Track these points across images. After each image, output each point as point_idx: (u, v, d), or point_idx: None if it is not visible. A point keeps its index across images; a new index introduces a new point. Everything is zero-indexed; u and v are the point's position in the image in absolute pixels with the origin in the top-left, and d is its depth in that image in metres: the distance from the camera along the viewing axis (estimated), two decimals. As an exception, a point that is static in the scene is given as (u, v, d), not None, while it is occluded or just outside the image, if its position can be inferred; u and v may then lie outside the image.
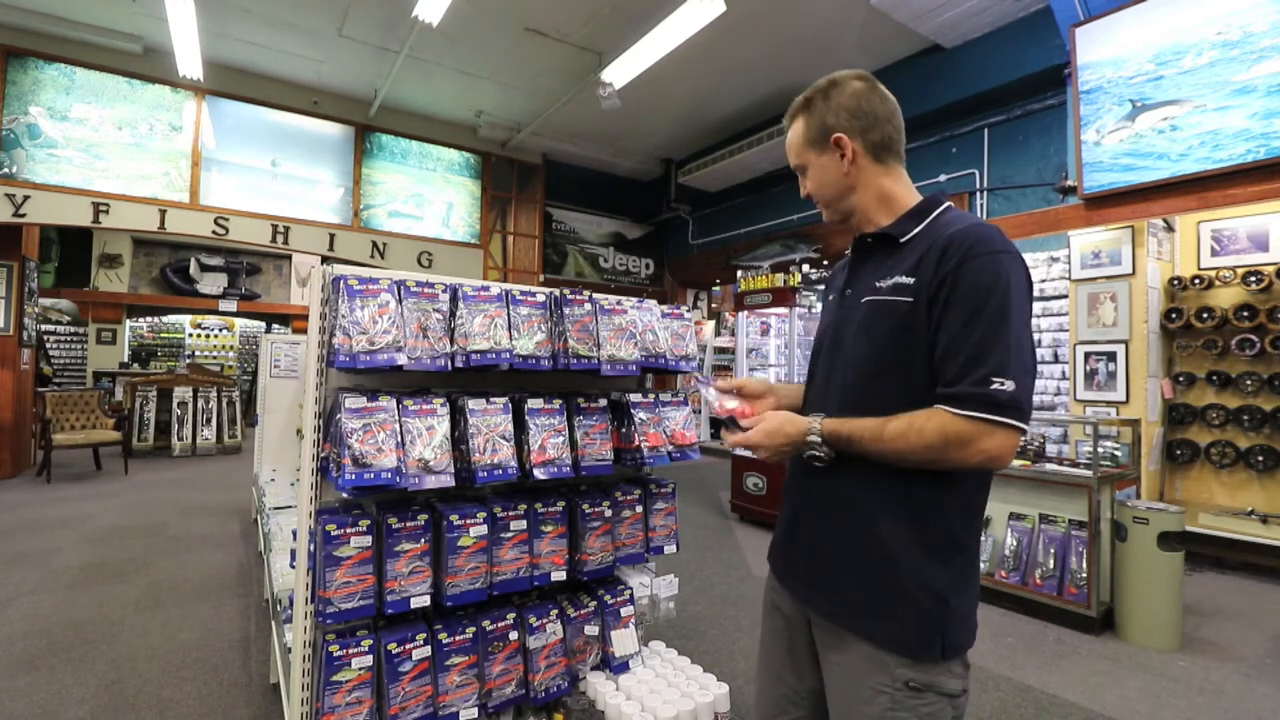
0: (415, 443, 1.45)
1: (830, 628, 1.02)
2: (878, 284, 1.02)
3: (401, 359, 1.43)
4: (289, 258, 13.62)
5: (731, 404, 1.15)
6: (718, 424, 1.17)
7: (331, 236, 7.33)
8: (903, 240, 1.03)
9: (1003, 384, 0.86)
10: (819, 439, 0.98)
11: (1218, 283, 4.32)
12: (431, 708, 1.48)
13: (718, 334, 10.57)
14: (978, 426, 0.86)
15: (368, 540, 1.43)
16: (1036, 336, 5.30)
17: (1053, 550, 3.24)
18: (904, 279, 0.97)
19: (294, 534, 1.85)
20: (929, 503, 0.95)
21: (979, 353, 0.88)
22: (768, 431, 1.02)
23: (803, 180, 1.15)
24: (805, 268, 5.45)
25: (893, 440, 0.91)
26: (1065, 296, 4.97)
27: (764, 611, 1.22)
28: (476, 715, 1.53)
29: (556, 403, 1.68)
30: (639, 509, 1.86)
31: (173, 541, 4.26)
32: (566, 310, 1.69)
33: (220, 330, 13.88)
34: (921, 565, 0.94)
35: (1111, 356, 4.39)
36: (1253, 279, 4.15)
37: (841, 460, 1.00)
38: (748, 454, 4.59)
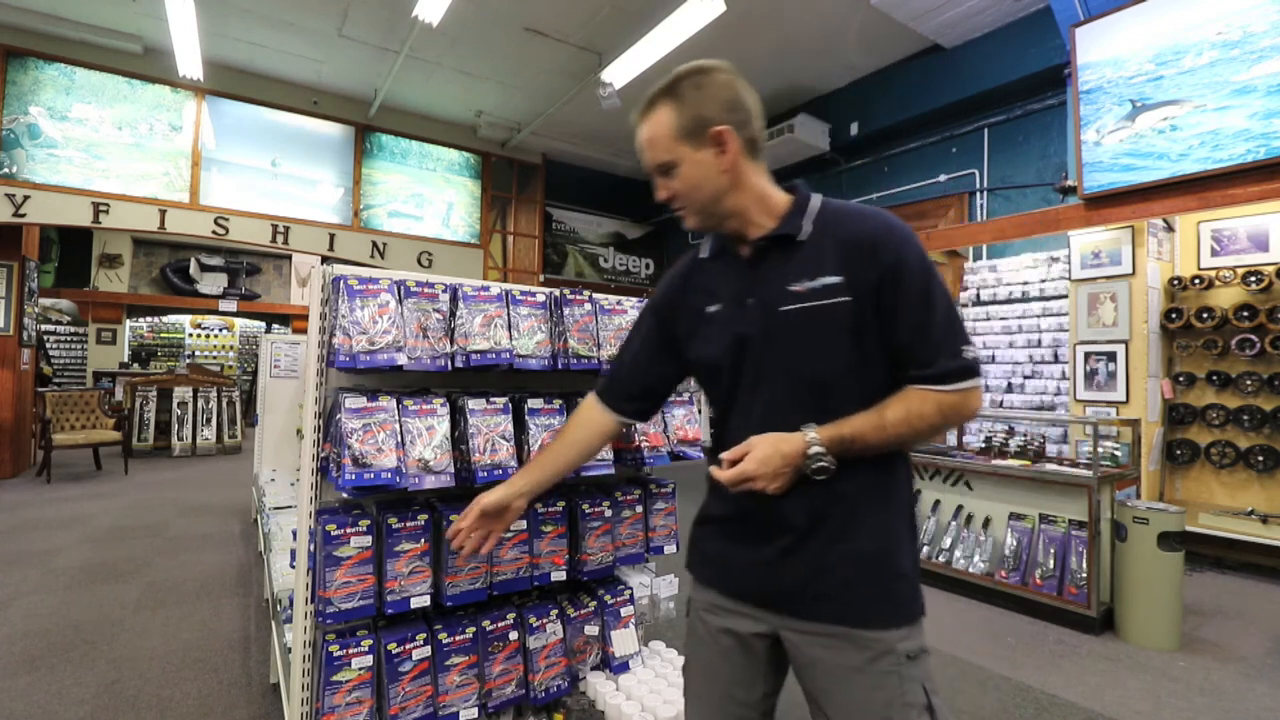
0: (415, 443, 1.45)
1: (824, 630, 0.97)
2: (792, 287, 0.98)
3: (401, 359, 1.43)
4: (289, 258, 13.62)
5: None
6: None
7: (331, 236, 7.33)
8: (800, 238, 1.00)
9: (969, 349, 0.94)
10: (822, 449, 0.93)
11: (1218, 283, 4.31)
12: (431, 708, 1.48)
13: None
14: (964, 394, 0.93)
15: (368, 540, 1.43)
16: (1037, 337, 5.32)
17: (1053, 550, 3.24)
18: (832, 279, 0.95)
19: (294, 534, 1.85)
20: (896, 481, 1.01)
21: (945, 330, 0.94)
22: (762, 459, 0.95)
23: (662, 181, 1.04)
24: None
25: (897, 428, 0.93)
26: (1065, 296, 4.97)
27: (703, 629, 1.11)
28: (476, 715, 1.53)
29: (556, 403, 1.68)
30: (639, 509, 1.86)
31: (173, 541, 4.26)
32: (566, 310, 1.69)
33: (220, 330, 13.88)
34: (905, 541, 1.00)
35: (1111, 356, 4.39)
36: (1253, 279, 4.15)
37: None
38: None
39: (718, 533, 1.10)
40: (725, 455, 0.99)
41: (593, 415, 1.23)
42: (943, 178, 6.32)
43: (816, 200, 1.03)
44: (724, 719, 1.07)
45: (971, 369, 0.93)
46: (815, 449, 0.93)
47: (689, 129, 0.99)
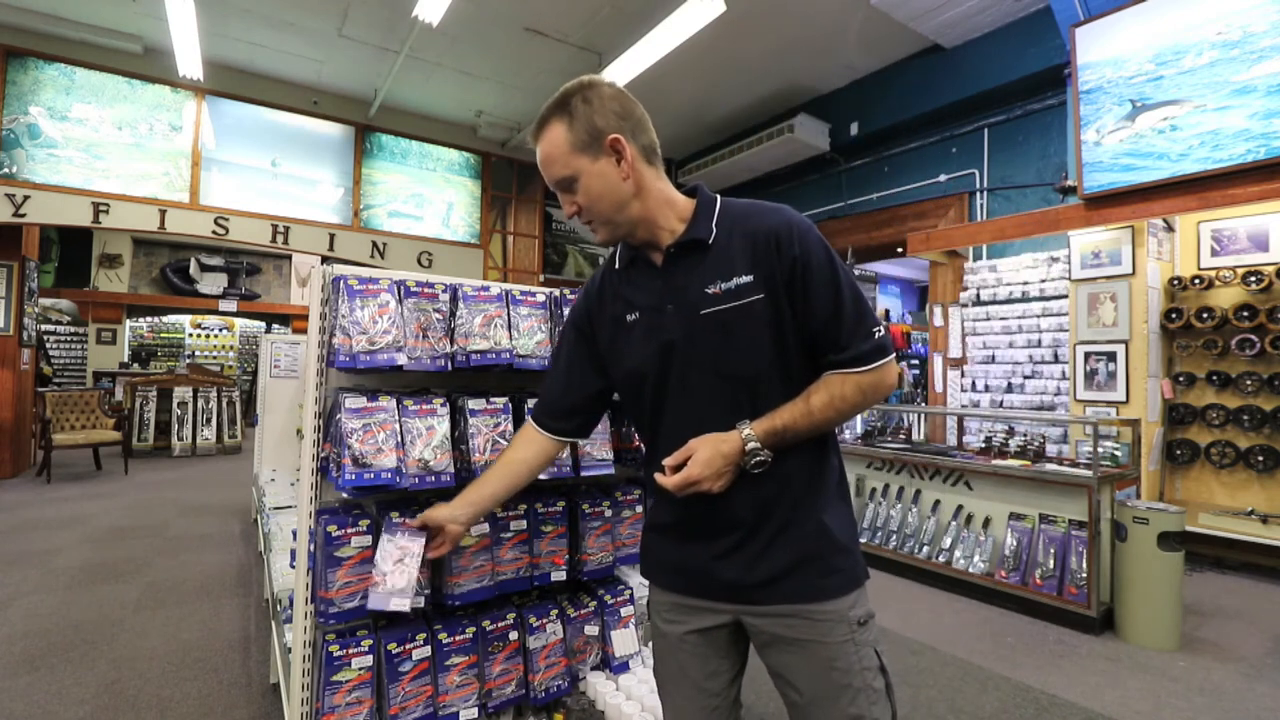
0: (415, 443, 1.45)
1: (779, 610, 1.02)
2: (709, 290, 1.00)
3: (401, 359, 1.43)
4: (289, 258, 13.62)
5: (404, 570, 1.20)
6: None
7: (331, 236, 7.33)
8: (710, 241, 1.02)
9: (878, 329, 0.99)
10: (758, 444, 0.97)
11: (1218, 283, 4.31)
12: (431, 708, 1.48)
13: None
14: (880, 372, 0.99)
15: (368, 540, 1.43)
16: (1037, 336, 5.32)
17: (1053, 550, 3.24)
18: (745, 278, 0.99)
19: (294, 534, 1.85)
20: (827, 460, 1.06)
21: (855, 315, 0.98)
22: (704, 461, 0.97)
23: (567, 197, 1.05)
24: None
25: (824, 413, 0.98)
26: (1065, 296, 4.97)
27: (667, 638, 1.13)
28: (476, 715, 1.53)
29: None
30: (639, 509, 1.86)
31: (173, 541, 4.26)
32: (566, 310, 1.69)
33: (220, 330, 13.88)
34: (841, 513, 1.05)
35: (1111, 356, 4.39)
36: (1253, 279, 4.15)
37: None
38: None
39: (669, 537, 1.13)
40: (668, 461, 1.01)
41: (532, 437, 1.25)
42: (943, 178, 6.32)
43: (717, 201, 1.07)
44: (697, 711, 1.11)
45: (883, 347, 0.99)
46: (752, 445, 0.97)
47: (585, 141, 1.00)
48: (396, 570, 1.22)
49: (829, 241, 1.03)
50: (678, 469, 0.99)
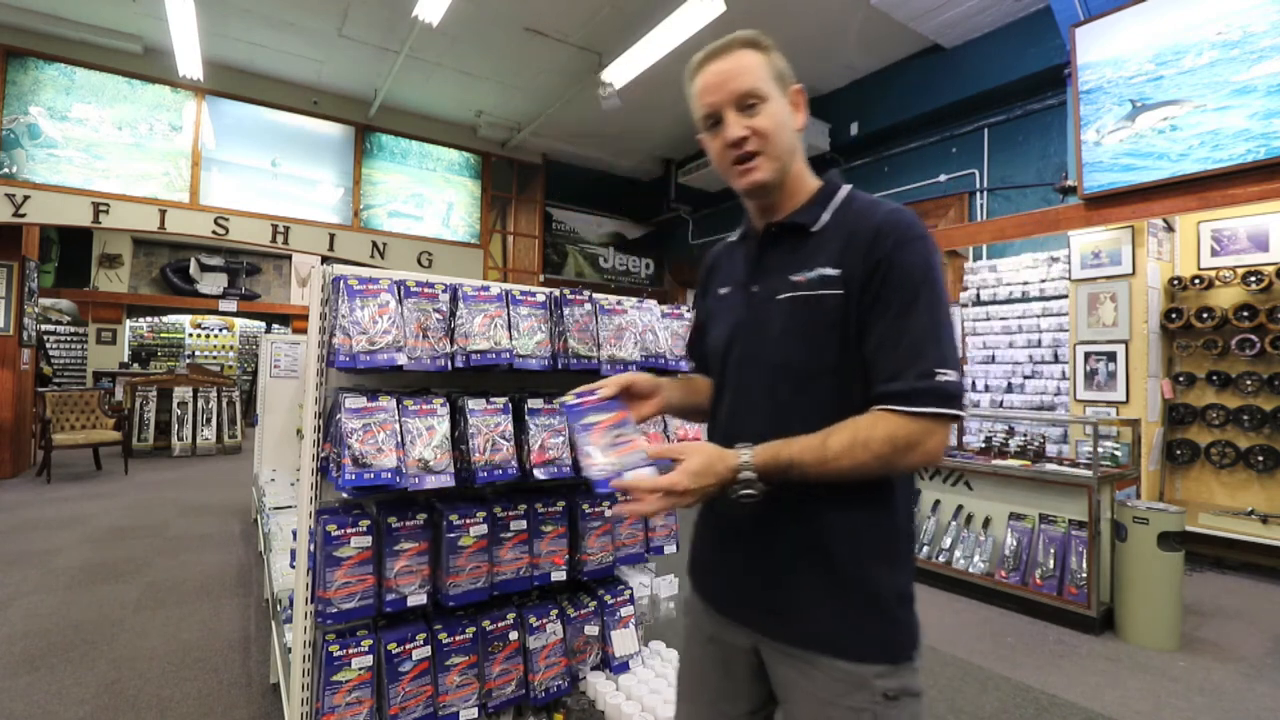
0: (415, 443, 1.45)
1: (794, 653, 0.91)
2: (793, 277, 0.92)
3: (401, 359, 1.43)
4: (289, 258, 13.62)
5: (628, 445, 0.91)
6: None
7: (331, 236, 7.33)
8: (814, 229, 0.94)
9: (948, 374, 0.81)
10: (753, 474, 0.84)
11: (1218, 283, 4.31)
12: (431, 708, 1.48)
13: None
14: (926, 425, 0.81)
15: (368, 540, 1.43)
16: (1037, 337, 5.32)
17: (1053, 550, 3.24)
18: (829, 270, 0.89)
19: (294, 534, 1.85)
20: (879, 500, 0.89)
21: (921, 344, 0.82)
22: (695, 471, 0.84)
23: (738, 118, 0.91)
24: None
25: (838, 458, 0.81)
26: (1065, 296, 4.97)
27: (695, 633, 1.07)
28: (476, 715, 1.53)
29: (556, 403, 1.68)
30: (639, 509, 1.86)
31: (173, 541, 4.26)
32: (566, 310, 1.69)
33: (220, 330, 13.88)
34: (883, 567, 0.89)
35: (1111, 356, 4.39)
36: (1253, 279, 4.15)
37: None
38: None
39: (705, 535, 1.05)
40: (654, 451, 0.90)
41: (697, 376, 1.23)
42: (943, 178, 6.32)
43: (844, 191, 0.97)
44: None
45: (944, 395, 0.81)
46: (745, 474, 0.84)
47: (777, 75, 0.93)
48: (613, 448, 0.94)
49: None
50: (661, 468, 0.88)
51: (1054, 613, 3.18)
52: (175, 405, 7.89)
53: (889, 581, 0.88)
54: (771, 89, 0.92)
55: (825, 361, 0.89)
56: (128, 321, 12.47)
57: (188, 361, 12.83)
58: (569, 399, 0.99)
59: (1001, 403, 5.47)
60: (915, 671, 0.89)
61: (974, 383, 5.71)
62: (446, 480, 1.46)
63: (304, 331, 2.81)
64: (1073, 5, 4.40)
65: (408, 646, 1.46)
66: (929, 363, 0.81)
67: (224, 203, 6.76)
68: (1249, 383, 4.17)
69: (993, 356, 5.58)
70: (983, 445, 4.06)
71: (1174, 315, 4.40)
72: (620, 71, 5.99)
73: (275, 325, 13.75)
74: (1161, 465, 4.50)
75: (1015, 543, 3.39)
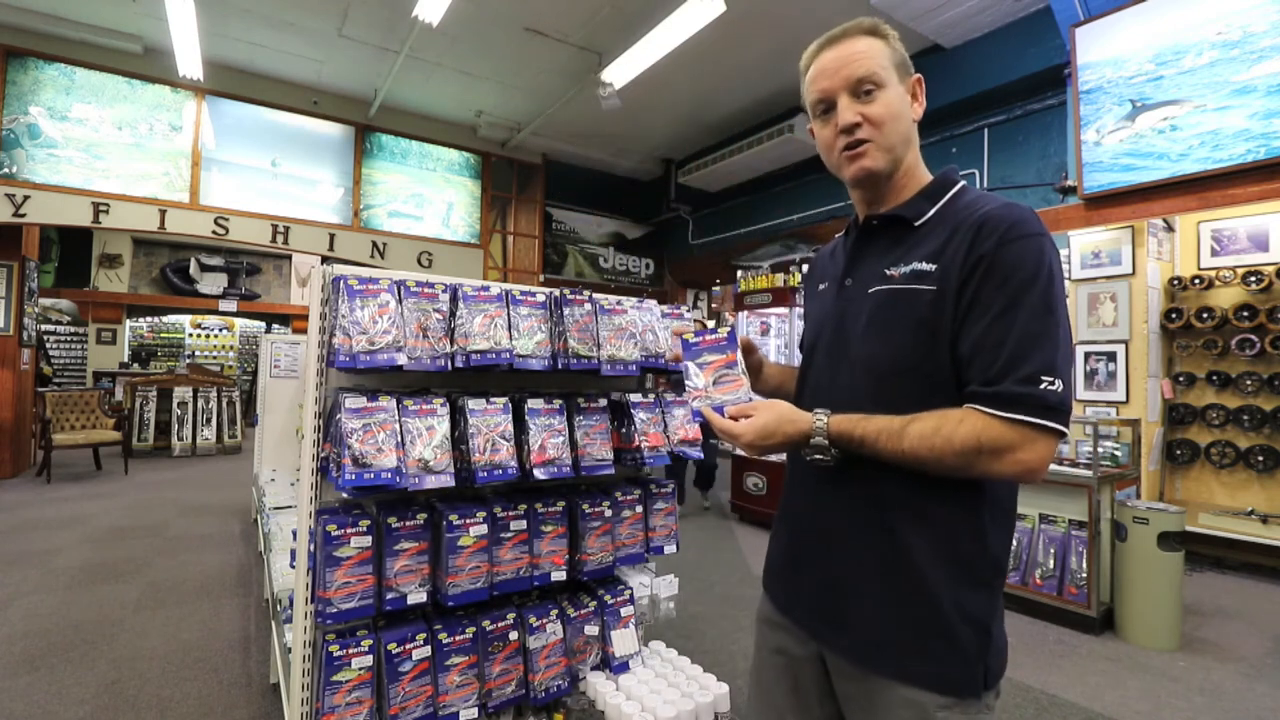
0: (415, 443, 1.45)
1: (853, 669, 0.87)
2: (888, 271, 0.88)
3: (401, 359, 1.43)
4: (289, 258, 13.63)
5: (733, 384, 0.95)
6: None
7: (331, 236, 7.33)
8: (917, 224, 0.90)
9: (1053, 383, 0.74)
10: (826, 440, 0.82)
11: (1218, 283, 4.32)
12: (431, 708, 1.48)
13: (718, 334, 10.53)
14: (1021, 432, 0.74)
15: (368, 540, 1.43)
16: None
17: (1053, 550, 3.24)
18: (924, 265, 0.84)
19: (294, 534, 1.85)
20: (964, 519, 0.82)
21: (1025, 346, 0.76)
22: (761, 429, 0.85)
23: (854, 104, 0.89)
24: (805, 268, 5.45)
25: (915, 445, 0.77)
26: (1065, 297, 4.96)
27: (762, 645, 1.04)
28: (476, 715, 1.53)
29: (556, 403, 1.68)
30: (639, 509, 1.86)
31: (173, 541, 4.26)
32: (566, 310, 1.69)
33: (220, 330, 13.88)
34: (961, 593, 0.81)
35: (1111, 356, 4.39)
36: (1253, 279, 4.15)
37: (854, 465, 0.85)
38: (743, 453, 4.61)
39: (779, 534, 1.03)
40: (730, 410, 0.91)
41: None
42: (943, 178, 6.32)
43: (954, 186, 0.93)
44: None
45: (1047, 405, 0.74)
46: (818, 438, 0.83)
47: (898, 62, 0.91)
48: (717, 385, 0.98)
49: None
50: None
51: (1054, 613, 3.18)
52: (175, 405, 7.90)
53: (965, 606, 0.81)
54: (890, 76, 0.90)
55: (909, 360, 0.84)
56: (128, 321, 12.47)
57: (188, 361, 12.83)
58: (689, 336, 1.03)
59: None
60: (989, 708, 0.82)
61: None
62: (446, 480, 1.46)
63: (304, 331, 2.81)
64: (1073, 5, 4.40)
65: (408, 646, 1.46)
66: (1033, 367, 0.75)
67: (224, 203, 6.75)
68: (1249, 383, 4.17)
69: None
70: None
71: (1174, 315, 4.40)
72: (620, 71, 5.99)
73: (275, 325, 13.75)
74: (1161, 465, 4.50)
75: (1015, 543, 3.39)
